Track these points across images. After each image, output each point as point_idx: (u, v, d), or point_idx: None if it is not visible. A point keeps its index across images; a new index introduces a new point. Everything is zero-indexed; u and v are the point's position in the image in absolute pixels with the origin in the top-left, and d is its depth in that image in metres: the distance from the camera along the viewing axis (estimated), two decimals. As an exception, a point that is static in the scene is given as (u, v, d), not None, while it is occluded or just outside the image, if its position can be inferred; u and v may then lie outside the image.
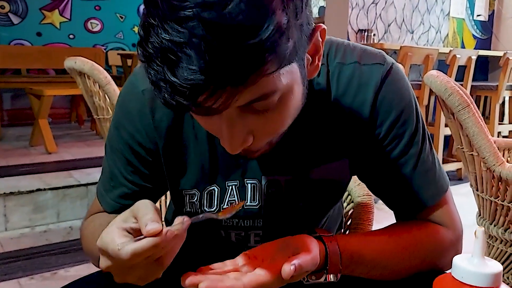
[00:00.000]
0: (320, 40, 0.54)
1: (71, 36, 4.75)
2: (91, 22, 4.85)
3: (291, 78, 0.49)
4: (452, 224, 0.68)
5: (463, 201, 2.73)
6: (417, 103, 0.67)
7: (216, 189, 0.67)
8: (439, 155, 3.18)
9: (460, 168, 3.44)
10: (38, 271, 1.87)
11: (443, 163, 3.27)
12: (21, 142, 3.46)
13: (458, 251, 0.68)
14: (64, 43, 4.69)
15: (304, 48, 0.51)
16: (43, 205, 2.34)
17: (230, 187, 0.67)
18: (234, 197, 0.67)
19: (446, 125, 3.14)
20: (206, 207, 0.68)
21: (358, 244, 0.62)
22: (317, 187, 0.68)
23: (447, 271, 0.46)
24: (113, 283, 0.63)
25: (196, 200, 0.68)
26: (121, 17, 5.02)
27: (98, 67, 1.83)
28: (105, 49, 4.80)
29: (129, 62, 4.23)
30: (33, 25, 4.55)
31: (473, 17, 4.45)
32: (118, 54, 4.55)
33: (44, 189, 2.34)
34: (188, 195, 0.68)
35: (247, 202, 0.67)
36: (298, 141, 0.65)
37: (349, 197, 1.02)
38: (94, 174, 2.58)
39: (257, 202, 0.67)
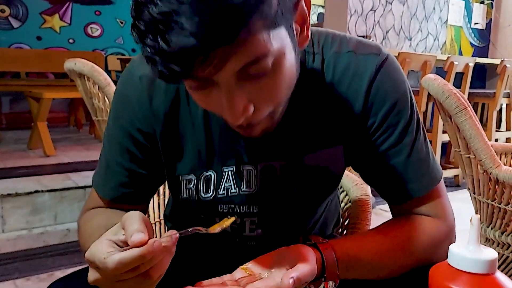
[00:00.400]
0: (306, 10, 0.55)
1: (71, 41, 4.76)
2: (91, 27, 4.87)
3: (281, 43, 0.51)
4: (444, 215, 0.69)
5: (461, 207, 2.73)
6: (412, 94, 0.68)
7: (212, 174, 0.68)
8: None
9: (458, 175, 3.45)
10: (34, 273, 1.87)
11: (440, 169, 3.28)
12: (19, 145, 3.46)
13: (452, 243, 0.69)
14: (64, 47, 4.70)
15: (291, 14, 0.53)
16: (41, 207, 2.33)
17: (226, 173, 0.67)
18: (230, 182, 0.68)
19: (444, 132, 3.15)
20: (203, 193, 0.68)
21: (354, 248, 0.62)
22: (312, 173, 0.68)
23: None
24: None
25: (193, 186, 0.68)
26: (121, 23, 5.04)
27: (98, 69, 1.84)
28: (104, 53, 4.82)
29: (128, 66, 4.24)
30: (33, 29, 4.57)
31: (470, 25, 4.49)
32: (117, 59, 4.56)
33: (42, 191, 2.34)
34: (185, 181, 0.69)
35: (243, 188, 0.68)
36: (293, 127, 0.66)
37: (347, 197, 1.03)
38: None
39: (253, 188, 0.68)
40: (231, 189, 0.68)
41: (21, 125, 4.33)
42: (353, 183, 1.01)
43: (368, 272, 0.63)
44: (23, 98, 3.77)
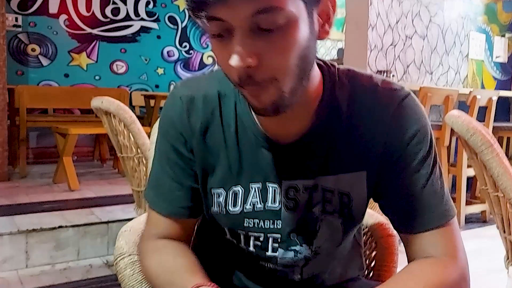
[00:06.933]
0: (331, 9, 0.61)
1: (97, 77, 4.92)
2: (116, 64, 5.03)
3: (297, 10, 0.55)
4: (456, 255, 0.67)
5: (489, 244, 2.63)
6: (431, 130, 0.70)
7: (240, 190, 0.71)
8: (462, 197, 3.11)
9: (485, 210, 3.36)
10: (56, 309, 1.87)
11: (466, 205, 3.20)
12: (45, 179, 3.53)
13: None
14: (90, 83, 4.85)
15: (313, 2, 0.58)
16: (64, 243, 2.36)
17: (253, 189, 0.71)
18: (256, 198, 0.71)
19: (468, 166, 3.09)
20: (231, 207, 0.72)
21: None
22: (334, 197, 0.70)
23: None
24: None
25: (222, 200, 0.72)
26: (146, 60, 5.19)
27: (124, 107, 1.89)
28: (129, 90, 4.95)
29: (152, 102, 4.34)
30: (61, 66, 4.74)
31: (492, 58, 4.46)
32: (141, 95, 4.68)
33: (66, 226, 2.37)
34: (215, 194, 0.73)
35: (268, 204, 0.71)
36: (317, 146, 0.69)
37: (372, 237, 1.01)
38: (115, 212, 2.60)
39: (277, 204, 0.71)
40: (257, 204, 0.71)
41: (47, 159, 4.43)
42: (378, 224, 0.99)
43: None
44: (49, 134, 3.88)
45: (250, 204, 0.71)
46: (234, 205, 0.72)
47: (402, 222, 0.70)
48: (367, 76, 0.71)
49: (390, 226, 0.98)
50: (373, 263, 0.97)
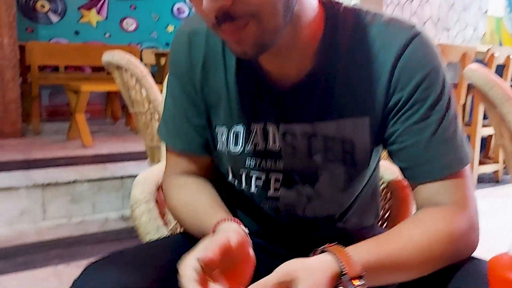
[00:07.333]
0: None
1: (107, 35, 4.87)
2: (126, 21, 4.96)
3: None
4: (465, 204, 0.64)
5: (502, 203, 2.64)
6: (445, 71, 0.65)
7: (242, 129, 0.70)
8: (475, 157, 3.09)
9: (497, 170, 3.34)
10: (74, 259, 1.93)
11: (479, 164, 3.18)
12: (58, 136, 3.56)
13: (470, 239, 0.63)
14: (100, 41, 4.81)
15: None
16: (80, 197, 2.40)
17: (255, 129, 0.70)
18: (257, 138, 0.70)
19: (483, 126, 3.05)
20: (232, 146, 0.71)
21: (373, 252, 0.59)
22: (335, 144, 0.68)
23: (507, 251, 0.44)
24: (138, 260, 0.66)
25: (224, 139, 0.72)
26: (156, 17, 5.11)
27: (135, 61, 1.88)
28: (139, 47, 4.90)
29: (162, 61, 4.30)
30: (71, 23, 4.70)
31: (512, 15, 4.32)
32: (152, 52, 4.63)
33: (81, 181, 2.41)
34: (219, 132, 0.73)
35: (269, 145, 0.70)
36: (317, 88, 0.66)
37: (387, 188, 1.01)
38: (129, 168, 2.63)
39: (278, 145, 0.70)
40: (258, 145, 0.70)
41: (60, 117, 4.47)
42: (393, 176, 0.99)
43: (386, 277, 0.60)
44: (61, 91, 3.89)
45: (251, 144, 0.70)
46: (236, 144, 0.71)
47: (410, 170, 0.66)
48: (373, 14, 0.65)
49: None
50: (387, 214, 0.97)
